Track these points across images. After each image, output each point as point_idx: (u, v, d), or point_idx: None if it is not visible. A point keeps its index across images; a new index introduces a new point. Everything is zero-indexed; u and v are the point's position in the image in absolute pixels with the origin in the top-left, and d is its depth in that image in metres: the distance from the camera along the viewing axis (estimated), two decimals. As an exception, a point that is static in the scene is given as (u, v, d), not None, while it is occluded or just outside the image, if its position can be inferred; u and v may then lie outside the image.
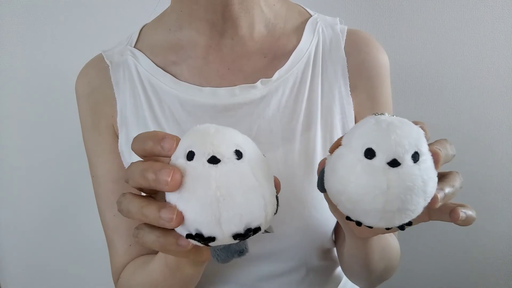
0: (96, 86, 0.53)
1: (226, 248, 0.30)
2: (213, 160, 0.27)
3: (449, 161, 0.31)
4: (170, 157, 0.29)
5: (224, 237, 0.27)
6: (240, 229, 0.27)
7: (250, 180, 0.27)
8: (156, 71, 0.51)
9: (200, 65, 0.51)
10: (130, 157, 0.51)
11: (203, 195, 0.26)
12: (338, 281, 0.60)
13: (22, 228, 0.95)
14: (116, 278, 0.53)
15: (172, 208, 0.27)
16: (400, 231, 0.53)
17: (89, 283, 0.99)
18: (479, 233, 0.95)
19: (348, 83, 0.51)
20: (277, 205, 0.31)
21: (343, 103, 0.51)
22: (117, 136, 0.53)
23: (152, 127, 0.50)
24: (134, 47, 0.54)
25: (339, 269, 0.59)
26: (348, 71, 0.51)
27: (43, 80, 0.88)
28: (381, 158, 0.27)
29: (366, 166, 0.28)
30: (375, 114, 0.30)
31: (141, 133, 0.30)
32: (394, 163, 0.27)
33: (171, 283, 0.43)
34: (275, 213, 0.30)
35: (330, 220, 0.51)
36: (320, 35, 0.52)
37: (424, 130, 0.29)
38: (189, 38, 0.51)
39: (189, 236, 0.28)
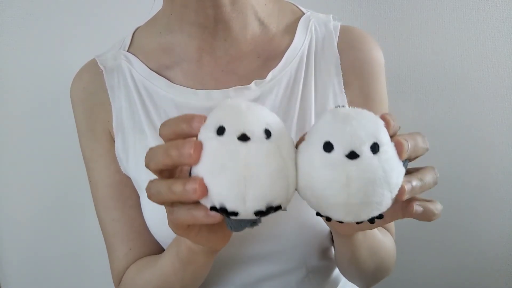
0: (91, 92, 0.53)
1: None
2: (243, 137, 0.27)
3: (421, 155, 0.31)
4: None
5: (246, 213, 0.28)
6: (263, 207, 0.28)
7: (276, 160, 0.28)
8: (151, 75, 0.51)
9: (194, 68, 0.50)
10: (127, 163, 0.51)
11: (231, 171, 0.27)
12: (338, 281, 0.60)
13: (22, 228, 0.95)
14: (118, 282, 0.53)
15: (195, 179, 0.28)
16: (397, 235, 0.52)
17: (89, 283, 0.99)
18: (479, 233, 0.95)
19: (342, 81, 0.51)
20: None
21: (337, 101, 0.51)
22: (113, 141, 0.53)
23: (148, 132, 0.50)
24: (128, 51, 0.53)
25: (337, 271, 0.59)
26: (341, 69, 0.51)
27: (41, 82, 0.88)
28: (339, 151, 0.27)
29: (325, 160, 0.27)
30: (336, 107, 0.30)
31: (169, 119, 0.31)
32: (352, 155, 0.27)
33: (182, 276, 0.44)
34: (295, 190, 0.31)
35: None
36: (313, 34, 0.52)
37: (386, 120, 0.29)
38: (180, 41, 0.50)
39: (213, 208, 0.28)
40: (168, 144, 0.29)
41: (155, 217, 0.50)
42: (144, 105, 0.51)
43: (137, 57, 0.52)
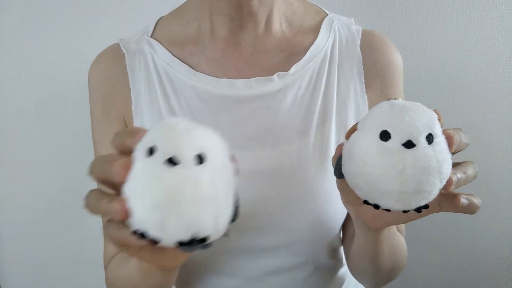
0: (109, 75, 0.53)
1: None
2: (171, 161, 0.25)
3: (463, 149, 0.32)
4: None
5: (168, 242, 0.26)
6: (186, 238, 0.26)
7: (204, 190, 0.26)
8: (173, 61, 0.51)
9: (218, 57, 0.51)
10: None
11: (151, 196, 0.25)
12: (342, 281, 0.60)
13: (22, 228, 0.95)
14: (106, 265, 0.54)
15: (121, 200, 0.26)
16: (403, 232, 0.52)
17: (89, 283, 0.99)
18: (479, 233, 0.95)
19: (363, 80, 0.52)
20: (236, 213, 0.29)
21: (358, 100, 0.52)
22: (126, 127, 0.53)
23: (166, 117, 0.50)
24: (151, 37, 0.54)
25: (343, 270, 0.60)
26: (363, 69, 0.52)
27: (40, 82, 0.87)
28: (396, 140, 0.28)
29: (381, 148, 0.29)
30: (389, 100, 0.31)
31: (125, 129, 0.30)
32: (409, 144, 0.28)
33: (144, 285, 0.43)
34: (233, 221, 0.29)
35: (340, 215, 0.52)
36: (336, 34, 0.54)
37: (438, 114, 0.30)
38: (208, 30, 0.51)
39: (135, 232, 0.27)
40: (106, 157, 0.28)
41: None
42: (164, 91, 0.51)
43: (160, 43, 0.53)
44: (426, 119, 0.29)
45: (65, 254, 0.97)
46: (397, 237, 0.49)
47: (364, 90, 0.52)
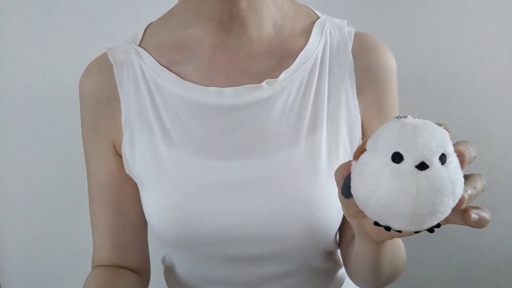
0: (97, 87, 0.53)
1: None
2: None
3: (471, 163, 0.31)
4: None
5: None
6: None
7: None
8: (161, 70, 0.51)
9: (206, 65, 0.50)
10: (133, 159, 0.51)
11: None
12: (341, 282, 0.60)
13: (22, 228, 0.95)
14: (92, 267, 0.58)
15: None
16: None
17: (89, 283, 0.99)
18: (479, 233, 0.95)
19: (355, 86, 0.51)
20: None
21: (350, 106, 0.50)
22: (111, 141, 0.53)
23: (156, 128, 0.50)
24: (139, 45, 0.53)
25: (342, 271, 0.60)
26: (355, 74, 0.51)
27: (40, 82, 0.87)
28: (409, 162, 0.27)
29: (394, 171, 0.28)
30: (398, 117, 0.30)
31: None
32: (422, 166, 0.27)
33: None
34: None
35: (334, 222, 0.50)
36: (327, 37, 0.52)
37: (448, 131, 0.29)
38: (195, 37, 0.50)
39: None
40: None
41: (154, 211, 0.51)
42: (153, 101, 0.50)
43: (148, 52, 0.52)
44: (439, 139, 0.28)
45: (65, 254, 0.97)
46: (397, 244, 0.49)
47: (356, 95, 0.51)
